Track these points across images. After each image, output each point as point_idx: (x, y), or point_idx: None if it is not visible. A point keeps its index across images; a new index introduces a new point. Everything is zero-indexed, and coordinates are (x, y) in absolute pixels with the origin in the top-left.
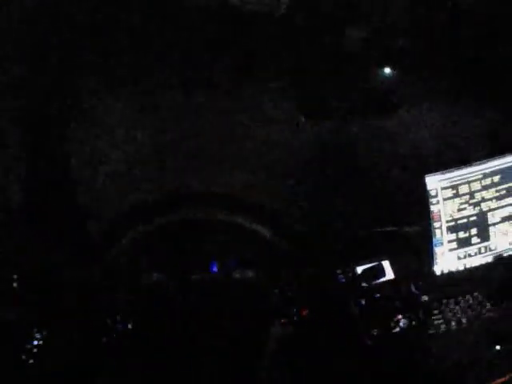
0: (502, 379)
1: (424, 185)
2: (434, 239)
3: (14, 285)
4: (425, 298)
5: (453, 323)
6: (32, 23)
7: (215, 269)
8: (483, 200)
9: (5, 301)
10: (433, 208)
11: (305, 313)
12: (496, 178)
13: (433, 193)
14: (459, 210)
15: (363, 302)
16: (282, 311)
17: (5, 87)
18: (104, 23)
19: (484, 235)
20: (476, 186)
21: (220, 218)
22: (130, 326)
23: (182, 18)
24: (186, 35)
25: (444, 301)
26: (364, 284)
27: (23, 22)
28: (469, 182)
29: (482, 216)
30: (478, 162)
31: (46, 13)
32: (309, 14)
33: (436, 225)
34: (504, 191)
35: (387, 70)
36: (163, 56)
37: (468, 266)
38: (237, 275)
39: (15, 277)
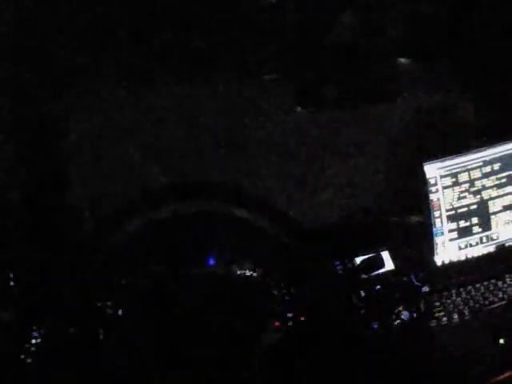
0: (506, 373)
1: (423, 173)
2: (434, 229)
3: (11, 284)
4: (426, 289)
5: (455, 315)
6: (31, 22)
7: (212, 262)
8: (484, 188)
9: (2, 300)
10: (432, 197)
11: (302, 318)
12: (496, 166)
13: (432, 181)
14: (459, 198)
15: (363, 294)
16: (277, 313)
17: (4, 86)
18: (103, 21)
19: (485, 224)
20: (476, 173)
21: (218, 211)
22: (128, 322)
23: (178, 15)
24: (183, 32)
25: (445, 292)
26: (363, 275)
27: (22, 20)
28: (468, 170)
29: (483, 205)
30: (478, 150)
31: (45, 12)
32: (301, 2)
33: (436, 214)
34: (505, 179)
35: (385, 59)
36: (161, 54)
37: (469, 256)
38: (236, 270)
39: (11, 276)
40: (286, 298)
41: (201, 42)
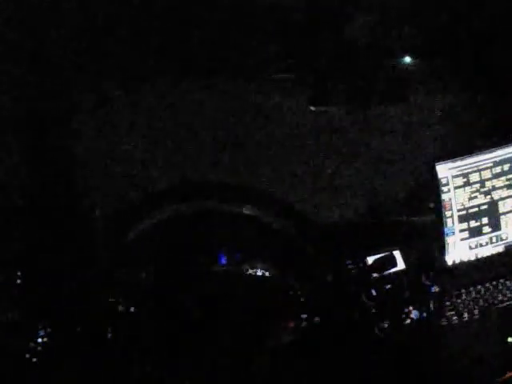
0: None
1: (435, 173)
2: (445, 228)
3: (18, 282)
4: (436, 288)
5: (465, 314)
6: (31, 22)
7: (223, 261)
8: (494, 189)
9: (8, 300)
10: (444, 197)
11: (316, 320)
12: (506, 167)
13: (444, 181)
14: (470, 198)
15: (374, 293)
16: (289, 313)
17: (5, 87)
18: (103, 21)
19: (495, 224)
20: (486, 174)
21: (229, 210)
22: (135, 320)
23: (178, 15)
24: (184, 32)
25: (455, 292)
26: (375, 274)
27: (22, 20)
28: (479, 171)
29: (493, 205)
30: (489, 150)
31: (46, 12)
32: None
33: (447, 214)
34: None
35: (395, 58)
36: (161, 54)
37: (479, 256)
38: (247, 270)
39: (18, 274)
40: (298, 297)
41: (201, 42)
